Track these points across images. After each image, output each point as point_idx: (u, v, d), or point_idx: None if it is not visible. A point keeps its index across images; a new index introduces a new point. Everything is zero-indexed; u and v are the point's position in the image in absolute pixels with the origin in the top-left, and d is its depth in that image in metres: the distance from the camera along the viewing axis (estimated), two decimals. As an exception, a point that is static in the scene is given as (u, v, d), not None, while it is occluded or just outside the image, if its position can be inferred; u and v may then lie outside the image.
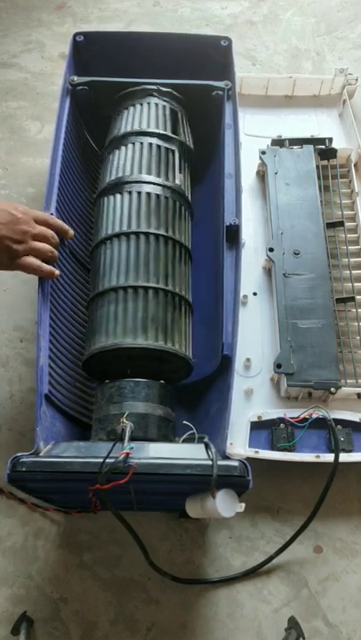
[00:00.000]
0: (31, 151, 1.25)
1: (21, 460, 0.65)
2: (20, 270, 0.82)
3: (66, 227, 0.88)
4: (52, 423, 0.77)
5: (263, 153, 1.10)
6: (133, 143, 0.94)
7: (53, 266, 0.84)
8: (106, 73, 1.03)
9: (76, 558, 0.85)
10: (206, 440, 0.71)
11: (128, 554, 0.85)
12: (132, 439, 0.69)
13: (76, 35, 1.07)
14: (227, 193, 0.92)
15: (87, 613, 0.82)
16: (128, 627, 0.81)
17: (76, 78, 1.01)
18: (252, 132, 1.15)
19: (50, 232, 0.84)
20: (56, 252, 0.85)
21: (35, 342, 0.82)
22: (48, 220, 0.85)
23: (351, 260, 1.00)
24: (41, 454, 0.68)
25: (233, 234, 0.88)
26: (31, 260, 0.81)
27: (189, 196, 0.96)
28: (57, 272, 0.84)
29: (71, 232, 0.89)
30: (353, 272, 0.98)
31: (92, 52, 1.08)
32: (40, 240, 0.83)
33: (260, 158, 1.09)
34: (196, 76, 1.03)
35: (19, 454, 0.66)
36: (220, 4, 1.51)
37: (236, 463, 0.66)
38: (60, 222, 0.87)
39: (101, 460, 0.63)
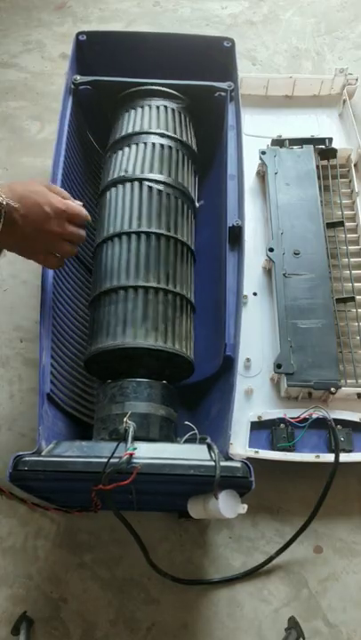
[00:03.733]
0: (31, 151, 1.25)
1: (24, 459, 0.65)
2: (38, 262, 0.80)
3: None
4: (54, 422, 0.77)
5: (263, 153, 1.10)
6: (137, 144, 0.94)
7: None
8: (108, 72, 1.03)
9: (76, 558, 0.85)
10: (209, 441, 0.71)
11: (128, 554, 0.85)
12: (135, 439, 0.69)
13: (79, 34, 1.06)
14: (229, 194, 0.92)
15: (87, 613, 0.82)
16: (128, 627, 0.81)
17: (79, 77, 1.01)
18: (252, 132, 1.15)
19: (80, 233, 0.81)
20: (76, 250, 0.82)
21: (35, 342, 0.82)
22: (80, 215, 0.81)
23: (351, 259, 1.00)
24: (43, 453, 0.69)
25: (235, 235, 0.88)
26: (52, 260, 0.80)
27: (194, 196, 0.96)
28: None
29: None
30: (353, 272, 0.98)
31: (94, 51, 1.07)
32: (68, 240, 0.80)
33: (260, 158, 1.09)
34: (198, 76, 1.03)
35: (21, 453, 0.66)
36: (220, 4, 1.51)
37: (238, 464, 0.66)
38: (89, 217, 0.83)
39: (105, 461, 0.63)
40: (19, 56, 1.40)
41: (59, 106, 0.99)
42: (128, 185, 0.90)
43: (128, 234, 0.86)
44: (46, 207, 0.75)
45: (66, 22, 1.46)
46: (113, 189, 0.91)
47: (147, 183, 0.89)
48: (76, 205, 0.81)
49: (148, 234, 0.85)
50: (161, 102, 1.00)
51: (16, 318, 1.05)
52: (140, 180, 0.89)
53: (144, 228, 0.86)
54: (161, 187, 0.89)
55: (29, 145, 1.26)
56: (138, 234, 0.85)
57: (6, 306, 1.06)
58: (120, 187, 0.90)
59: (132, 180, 0.90)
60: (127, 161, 0.93)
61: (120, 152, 0.95)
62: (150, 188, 0.88)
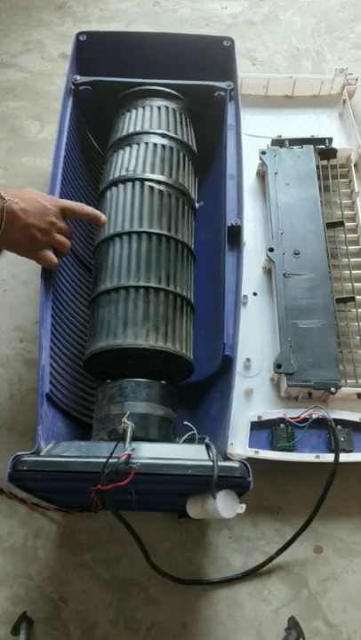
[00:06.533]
0: (31, 151, 1.25)
1: (22, 459, 0.65)
2: (35, 261, 0.83)
3: (98, 213, 0.88)
4: (53, 423, 0.77)
5: (263, 153, 1.10)
6: (137, 143, 0.94)
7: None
8: (108, 73, 1.03)
9: (76, 558, 0.85)
10: (207, 441, 0.71)
11: (128, 554, 0.85)
12: (133, 439, 0.69)
13: (79, 34, 1.07)
14: (228, 194, 0.92)
15: (87, 613, 0.82)
16: (128, 627, 0.81)
17: (78, 78, 1.01)
18: (252, 132, 1.15)
19: (70, 228, 0.86)
20: (70, 245, 0.86)
21: (35, 342, 0.82)
22: (74, 208, 0.85)
23: (351, 260, 1.00)
24: (42, 454, 0.69)
25: (234, 235, 0.88)
26: (50, 255, 0.82)
27: (194, 196, 0.96)
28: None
29: (104, 218, 0.88)
30: (353, 272, 0.98)
31: (94, 51, 1.08)
32: (62, 233, 0.84)
33: (260, 158, 1.09)
34: (198, 76, 1.03)
35: (19, 453, 0.66)
36: (220, 4, 1.51)
37: (236, 464, 0.66)
38: (93, 210, 0.87)
39: (103, 461, 0.63)
40: (19, 56, 1.40)
41: (59, 106, 0.99)
42: (128, 185, 0.90)
43: (128, 234, 0.86)
44: (43, 201, 0.80)
45: (66, 22, 1.47)
46: (113, 189, 0.91)
47: (148, 183, 0.89)
48: (67, 200, 0.86)
49: (148, 234, 0.85)
50: (161, 102, 1.00)
51: (16, 318, 1.05)
52: (141, 180, 0.89)
53: (144, 228, 0.86)
54: (161, 187, 0.89)
55: (29, 145, 1.26)
56: (138, 234, 0.85)
57: (6, 306, 1.06)
58: (120, 187, 0.91)
59: (132, 180, 0.90)
60: (127, 161, 0.93)
61: (120, 152, 0.95)
62: (151, 188, 0.89)
